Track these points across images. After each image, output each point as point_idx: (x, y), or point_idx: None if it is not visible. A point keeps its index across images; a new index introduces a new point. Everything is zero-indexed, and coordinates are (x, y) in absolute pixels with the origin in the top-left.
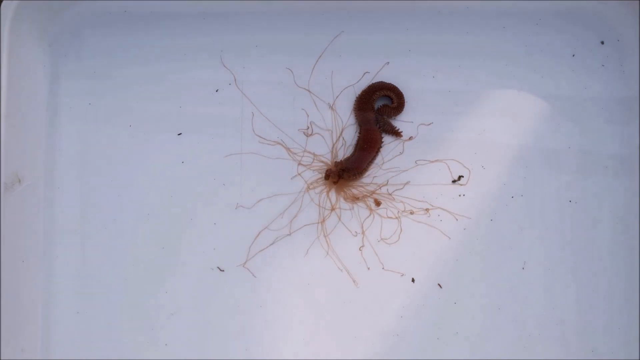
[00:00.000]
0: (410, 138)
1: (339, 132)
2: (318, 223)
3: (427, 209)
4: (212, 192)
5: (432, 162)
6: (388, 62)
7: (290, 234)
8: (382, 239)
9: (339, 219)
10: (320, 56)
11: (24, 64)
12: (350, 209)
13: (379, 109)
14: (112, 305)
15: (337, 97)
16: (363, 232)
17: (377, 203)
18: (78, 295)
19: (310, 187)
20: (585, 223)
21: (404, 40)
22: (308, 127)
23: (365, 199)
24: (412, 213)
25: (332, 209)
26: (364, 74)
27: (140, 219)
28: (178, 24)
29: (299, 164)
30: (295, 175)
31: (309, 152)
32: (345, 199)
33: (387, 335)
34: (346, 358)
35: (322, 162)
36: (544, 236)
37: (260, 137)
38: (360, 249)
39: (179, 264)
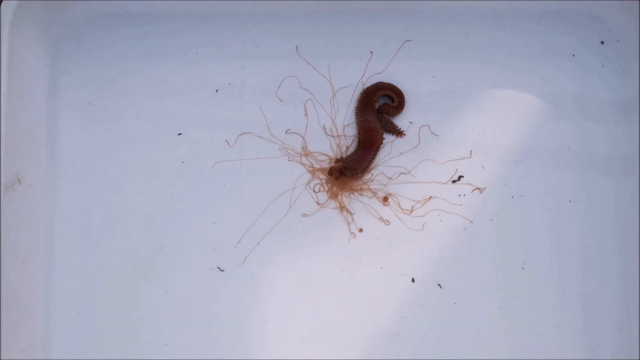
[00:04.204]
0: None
1: (340, 132)
2: (319, 222)
3: (426, 206)
4: (212, 192)
5: (432, 162)
6: (388, 62)
7: (290, 234)
8: (382, 238)
9: (353, 221)
10: (320, 56)
11: (24, 64)
12: (350, 206)
13: (379, 108)
14: (112, 305)
15: (337, 97)
16: (365, 230)
17: (385, 198)
18: (78, 295)
19: (310, 185)
20: (585, 223)
21: (404, 40)
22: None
23: (373, 194)
24: (412, 211)
25: (337, 206)
26: (364, 73)
27: (140, 219)
28: (178, 24)
29: (300, 163)
30: (298, 177)
31: (309, 152)
32: (348, 192)
33: (387, 335)
34: (346, 358)
35: (323, 161)
36: (544, 236)
37: (260, 137)
38: (360, 249)
39: (179, 264)
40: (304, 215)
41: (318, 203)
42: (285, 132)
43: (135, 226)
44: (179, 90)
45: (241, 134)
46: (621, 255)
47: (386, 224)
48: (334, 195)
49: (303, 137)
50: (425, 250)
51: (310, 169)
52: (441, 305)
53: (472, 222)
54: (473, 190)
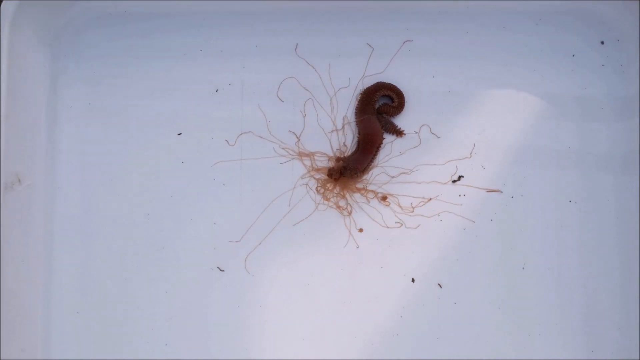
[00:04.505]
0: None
1: (339, 132)
2: (319, 222)
3: (426, 206)
4: (212, 192)
5: (433, 162)
6: (388, 62)
7: (290, 234)
8: (382, 238)
9: (353, 218)
10: (320, 56)
11: (24, 64)
12: (349, 208)
13: (379, 108)
14: (112, 305)
15: (337, 97)
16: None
17: (384, 198)
18: (78, 295)
19: (310, 185)
20: (585, 223)
21: (404, 40)
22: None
23: (373, 194)
24: (412, 210)
25: (333, 206)
26: (364, 73)
27: (140, 219)
28: (178, 24)
29: (301, 162)
30: (298, 177)
31: (309, 152)
32: (348, 193)
33: (387, 335)
34: (346, 358)
35: (322, 160)
36: (544, 236)
37: (260, 136)
38: (360, 249)
39: (178, 264)
40: (298, 223)
41: (317, 204)
42: (289, 132)
43: (135, 226)
44: (179, 90)
45: (241, 134)
46: (621, 255)
47: (387, 227)
48: (327, 199)
49: (299, 138)
50: (425, 250)
51: (310, 169)
52: (441, 305)
53: (472, 222)
54: (490, 192)
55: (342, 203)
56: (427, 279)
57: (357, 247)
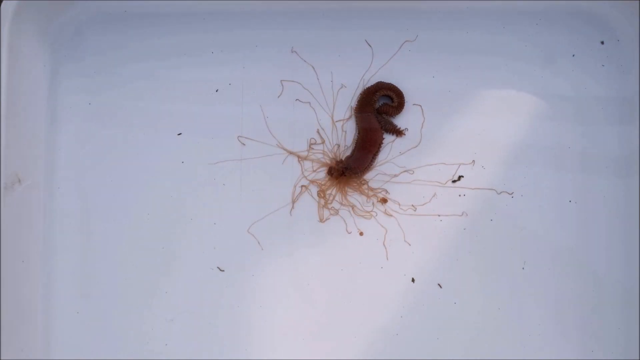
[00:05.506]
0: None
1: (340, 132)
2: (319, 222)
3: (426, 206)
4: (212, 192)
5: (433, 162)
6: (388, 62)
7: (290, 234)
8: (382, 238)
9: (356, 215)
10: (320, 56)
11: (24, 64)
12: (350, 207)
13: (379, 108)
14: (112, 305)
15: (337, 97)
16: (362, 233)
17: (383, 201)
18: (78, 295)
19: (310, 184)
20: (585, 223)
21: (404, 40)
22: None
23: (373, 194)
24: (413, 208)
25: (334, 209)
26: (364, 74)
27: (140, 219)
28: (178, 24)
29: (300, 160)
30: (298, 177)
31: (309, 152)
32: (346, 195)
33: (387, 335)
34: (346, 357)
35: (322, 162)
36: (544, 236)
37: (261, 137)
38: (360, 249)
39: (179, 264)
40: (298, 223)
41: (319, 205)
42: (289, 132)
43: (135, 226)
44: (179, 90)
45: (241, 134)
46: (621, 255)
47: (387, 228)
48: (323, 194)
49: (301, 138)
50: (425, 250)
51: (310, 169)
52: (441, 305)
53: (472, 222)
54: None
55: (342, 203)
56: (427, 279)
57: (357, 247)
